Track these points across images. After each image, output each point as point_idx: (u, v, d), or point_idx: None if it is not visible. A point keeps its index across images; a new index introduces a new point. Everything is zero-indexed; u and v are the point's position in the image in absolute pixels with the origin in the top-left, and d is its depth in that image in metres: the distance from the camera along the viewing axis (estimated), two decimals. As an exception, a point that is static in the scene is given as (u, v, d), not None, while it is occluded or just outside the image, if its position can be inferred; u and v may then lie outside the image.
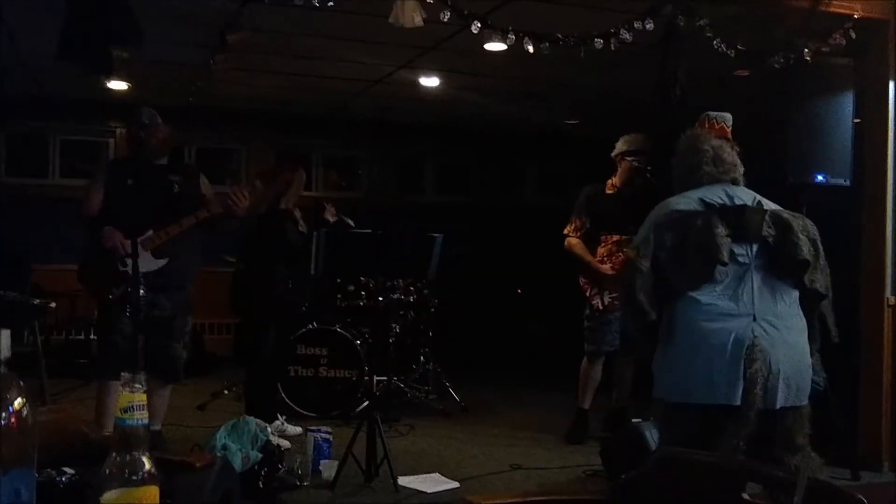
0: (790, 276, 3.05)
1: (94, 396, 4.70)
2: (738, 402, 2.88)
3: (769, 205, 3.14)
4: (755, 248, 3.02)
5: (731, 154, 3.22)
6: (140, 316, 4.24)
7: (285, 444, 4.87)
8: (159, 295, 4.42)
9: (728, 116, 3.46)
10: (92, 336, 7.22)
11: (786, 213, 3.10)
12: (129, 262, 4.27)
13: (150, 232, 4.43)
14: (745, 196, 3.13)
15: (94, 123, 8.57)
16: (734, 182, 3.18)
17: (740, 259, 3.00)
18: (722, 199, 3.07)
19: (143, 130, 4.60)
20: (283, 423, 5.40)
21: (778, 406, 2.93)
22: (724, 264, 2.95)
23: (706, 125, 3.41)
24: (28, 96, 7.32)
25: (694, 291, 2.97)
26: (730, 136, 3.38)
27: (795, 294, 3.06)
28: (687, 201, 3.10)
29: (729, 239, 2.96)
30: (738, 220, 3.01)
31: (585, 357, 5.53)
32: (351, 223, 5.96)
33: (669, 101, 4.51)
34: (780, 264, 3.03)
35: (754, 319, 2.95)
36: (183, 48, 5.94)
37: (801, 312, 3.07)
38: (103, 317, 4.60)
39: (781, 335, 2.97)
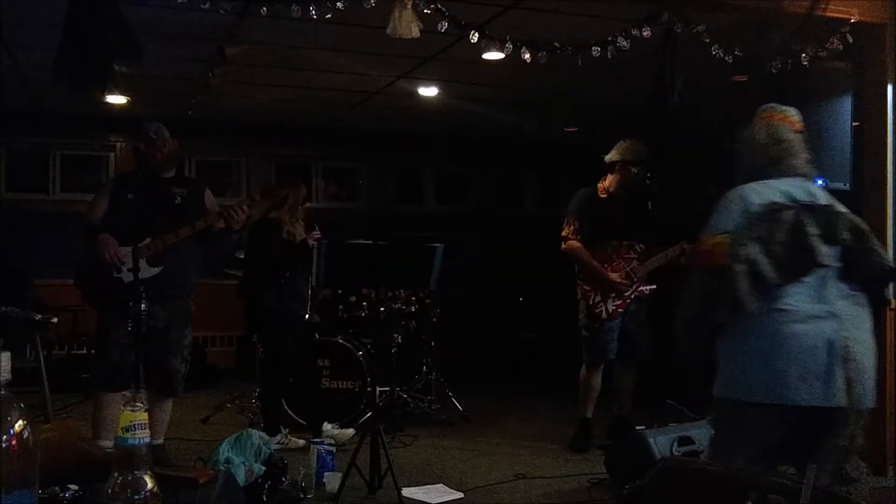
0: (860, 281, 2.96)
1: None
2: (840, 403, 2.82)
3: (840, 206, 3.05)
4: (836, 250, 2.92)
5: (805, 149, 3.13)
6: (141, 329, 4.20)
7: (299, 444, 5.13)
8: (154, 305, 4.34)
9: (796, 111, 3.27)
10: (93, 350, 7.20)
11: (856, 218, 3.02)
12: (130, 270, 4.25)
13: (147, 240, 4.42)
14: (822, 195, 3.04)
15: (94, 138, 8.59)
16: (805, 178, 3.08)
17: (826, 261, 2.90)
18: (805, 197, 2.97)
19: (150, 144, 4.59)
20: (286, 437, 5.39)
21: (868, 405, 2.90)
22: (822, 266, 2.87)
23: (777, 117, 3.20)
24: (28, 111, 7.33)
25: (779, 290, 2.87)
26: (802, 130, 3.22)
27: (864, 296, 2.99)
28: (774, 192, 2.97)
29: (819, 239, 2.87)
30: (825, 220, 2.92)
31: (584, 366, 5.51)
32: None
33: (667, 108, 4.51)
34: (854, 268, 2.95)
35: (841, 321, 2.87)
36: (182, 62, 5.96)
37: (870, 314, 3.00)
38: (100, 327, 4.58)
39: (862, 336, 2.92)
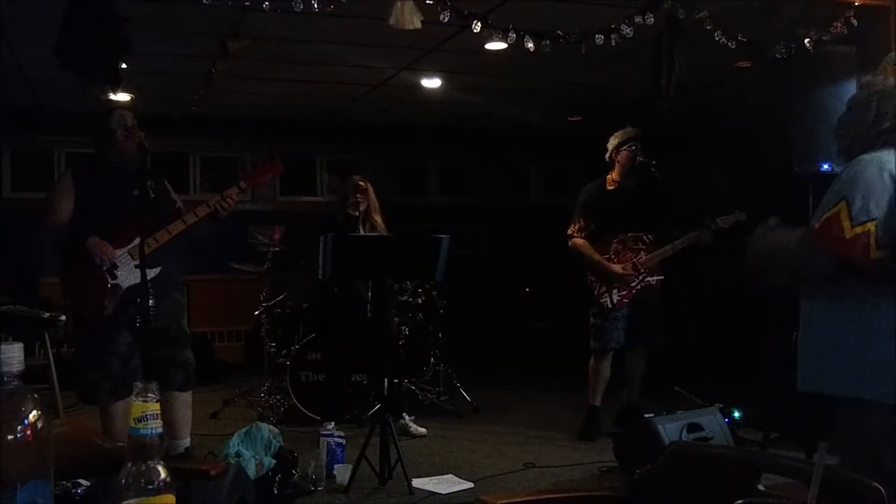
0: None
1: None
2: None
3: None
4: None
5: None
6: (149, 327, 4.11)
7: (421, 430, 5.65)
8: (157, 307, 4.21)
9: None
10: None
11: None
12: (137, 267, 4.11)
13: (137, 239, 4.15)
14: None
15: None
16: None
17: None
18: None
19: (129, 132, 4.30)
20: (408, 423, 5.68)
21: None
22: None
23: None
24: (31, 110, 7.34)
25: None
26: None
27: None
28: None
29: None
30: None
31: (592, 355, 5.54)
32: None
33: (662, 95, 4.50)
34: None
35: None
36: (184, 58, 5.96)
37: None
38: (92, 335, 4.32)
39: None
